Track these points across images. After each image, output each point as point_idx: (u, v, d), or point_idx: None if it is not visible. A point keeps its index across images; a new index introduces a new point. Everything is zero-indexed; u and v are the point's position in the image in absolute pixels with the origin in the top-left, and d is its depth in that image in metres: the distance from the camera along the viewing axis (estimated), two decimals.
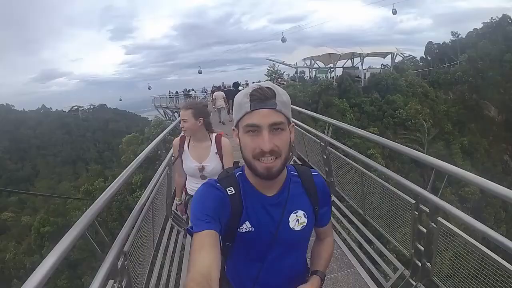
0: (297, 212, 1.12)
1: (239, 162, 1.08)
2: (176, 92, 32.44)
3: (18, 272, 18.96)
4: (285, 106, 1.00)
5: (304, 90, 29.91)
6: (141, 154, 3.08)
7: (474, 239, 1.94)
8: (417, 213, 2.41)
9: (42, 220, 16.89)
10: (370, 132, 4.14)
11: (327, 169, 4.28)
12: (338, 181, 4.13)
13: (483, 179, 1.81)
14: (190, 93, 29.70)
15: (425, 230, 2.35)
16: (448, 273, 2.24)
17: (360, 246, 3.55)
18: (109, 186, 2.08)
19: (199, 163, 2.40)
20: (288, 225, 1.10)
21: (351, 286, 3.00)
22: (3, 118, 66.45)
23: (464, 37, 40.40)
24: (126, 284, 1.91)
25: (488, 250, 1.83)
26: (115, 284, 1.74)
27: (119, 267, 1.82)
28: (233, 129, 1.08)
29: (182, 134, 2.57)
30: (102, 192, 1.99)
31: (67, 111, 72.95)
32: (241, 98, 1.00)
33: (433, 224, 2.22)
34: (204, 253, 0.85)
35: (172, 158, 2.77)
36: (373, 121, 28.62)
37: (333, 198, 4.26)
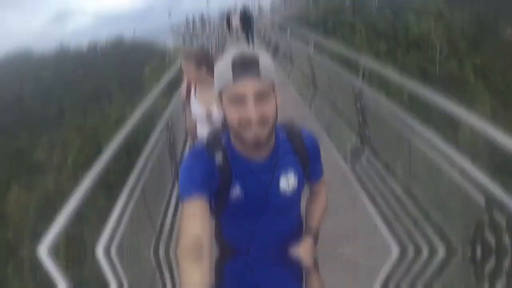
0: (287, 175, 1.10)
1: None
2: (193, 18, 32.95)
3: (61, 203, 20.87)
4: (269, 72, 0.95)
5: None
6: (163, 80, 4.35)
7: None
8: (355, 94, 3.67)
9: (79, 150, 18.68)
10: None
11: None
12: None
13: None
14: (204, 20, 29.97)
15: (359, 105, 3.60)
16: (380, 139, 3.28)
17: None
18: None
19: (206, 108, 2.35)
20: (279, 189, 1.09)
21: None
22: (24, 64, 68.11)
23: None
24: (172, 139, 3.38)
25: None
26: (167, 133, 3.23)
27: (169, 125, 3.32)
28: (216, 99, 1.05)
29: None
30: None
31: (85, 49, 73.40)
32: (222, 67, 0.95)
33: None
34: (195, 221, 0.88)
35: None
36: (385, 40, 28.63)
37: None
